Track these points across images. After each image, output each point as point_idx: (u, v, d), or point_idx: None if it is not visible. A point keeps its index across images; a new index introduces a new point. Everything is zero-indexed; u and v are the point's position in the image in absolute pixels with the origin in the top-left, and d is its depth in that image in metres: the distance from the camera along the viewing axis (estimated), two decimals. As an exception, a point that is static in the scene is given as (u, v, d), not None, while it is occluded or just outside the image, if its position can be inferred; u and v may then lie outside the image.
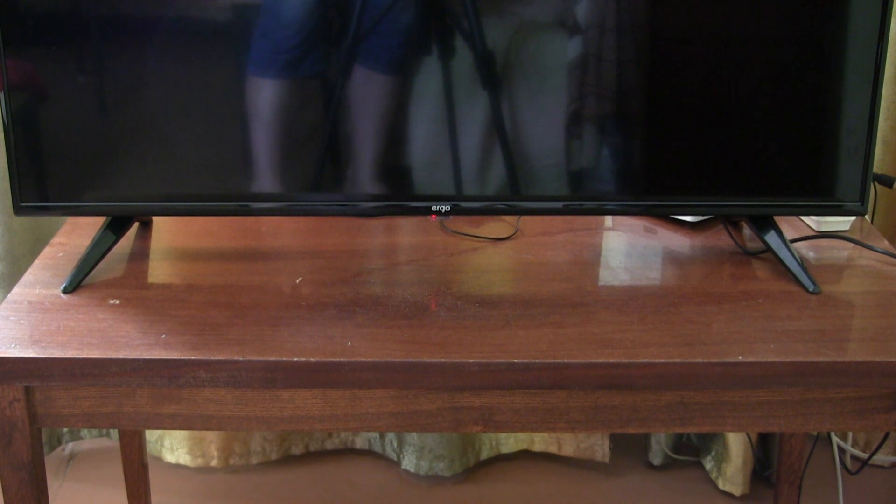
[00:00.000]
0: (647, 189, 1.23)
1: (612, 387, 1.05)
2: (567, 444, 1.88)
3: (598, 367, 1.03)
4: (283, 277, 1.21)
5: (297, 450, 1.90)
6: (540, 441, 1.89)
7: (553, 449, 1.89)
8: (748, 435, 1.78)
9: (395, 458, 1.88)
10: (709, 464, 1.86)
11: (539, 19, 1.17)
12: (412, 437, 1.83)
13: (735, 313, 1.13)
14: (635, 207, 1.26)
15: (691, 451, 1.91)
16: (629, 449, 1.93)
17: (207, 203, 1.20)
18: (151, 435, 1.84)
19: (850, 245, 1.31)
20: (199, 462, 1.85)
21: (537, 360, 1.03)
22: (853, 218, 1.37)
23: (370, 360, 1.03)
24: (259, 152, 1.19)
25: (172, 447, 1.85)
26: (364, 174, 1.20)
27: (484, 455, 1.89)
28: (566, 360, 1.03)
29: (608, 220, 1.40)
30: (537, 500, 1.82)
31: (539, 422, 1.08)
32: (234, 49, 1.17)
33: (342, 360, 1.03)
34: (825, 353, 1.04)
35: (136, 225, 1.33)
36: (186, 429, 1.60)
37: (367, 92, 1.17)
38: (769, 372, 1.03)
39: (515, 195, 1.21)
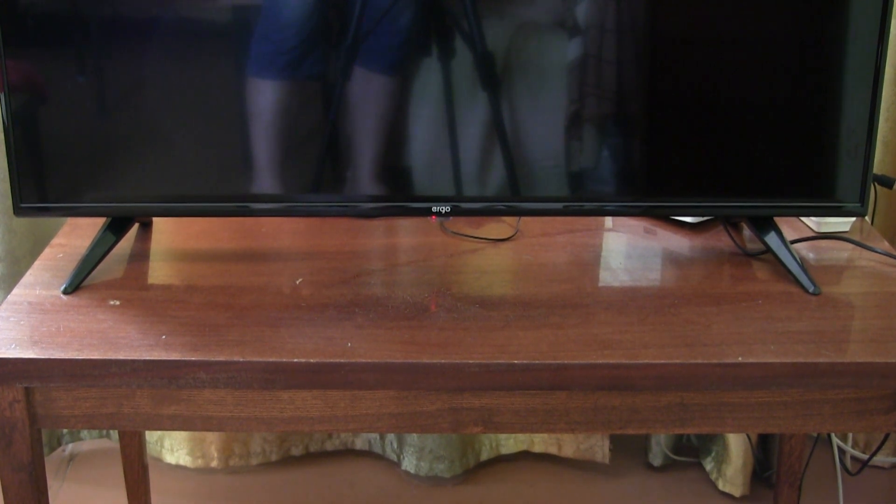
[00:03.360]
0: (647, 190, 1.23)
1: (612, 388, 1.05)
2: (567, 444, 1.88)
3: (598, 367, 1.03)
4: (282, 278, 1.20)
5: (296, 451, 1.90)
6: (540, 442, 1.89)
7: (553, 450, 1.89)
8: (748, 436, 1.77)
9: (395, 459, 1.88)
10: (709, 465, 1.86)
11: (539, 20, 1.17)
12: (412, 438, 1.83)
13: (735, 314, 1.13)
14: (635, 208, 1.26)
15: (691, 452, 1.91)
16: (629, 450, 1.93)
17: (207, 204, 1.20)
18: (151, 436, 1.84)
19: (850, 246, 1.31)
20: (199, 463, 1.85)
21: (537, 361, 1.03)
22: (853, 219, 1.37)
23: (370, 360, 1.03)
24: (259, 153, 1.19)
25: (172, 448, 1.85)
26: (364, 175, 1.20)
27: (484, 456, 1.89)
28: (566, 361, 1.03)
29: (608, 221, 1.40)
30: (537, 500, 1.82)
31: (539, 423, 1.08)
32: (233, 50, 1.17)
33: (342, 360, 1.02)
34: (825, 354, 1.04)
35: (136, 226, 1.33)
36: (186, 430, 1.60)
37: (366, 93, 1.17)
38: (769, 373, 1.03)
39: (515, 196, 1.21)
